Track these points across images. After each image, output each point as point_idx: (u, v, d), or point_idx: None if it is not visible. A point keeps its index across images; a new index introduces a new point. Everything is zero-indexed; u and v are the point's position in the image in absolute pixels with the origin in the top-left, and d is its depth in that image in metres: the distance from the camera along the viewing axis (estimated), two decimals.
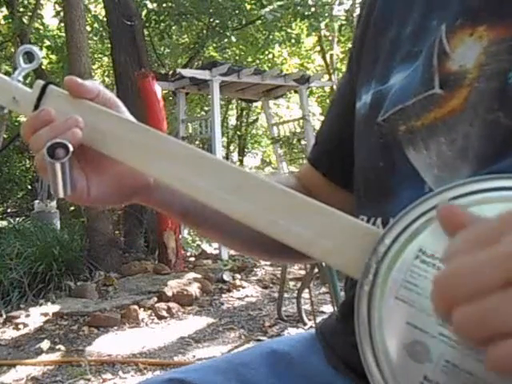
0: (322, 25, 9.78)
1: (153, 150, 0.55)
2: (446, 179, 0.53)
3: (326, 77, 10.24)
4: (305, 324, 3.88)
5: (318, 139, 0.81)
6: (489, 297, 0.32)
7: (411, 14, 0.62)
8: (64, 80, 0.58)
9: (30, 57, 0.60)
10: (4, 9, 8.56)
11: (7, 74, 0.60)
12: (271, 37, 9.73)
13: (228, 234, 0.72)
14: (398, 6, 0.65)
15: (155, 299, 4.38)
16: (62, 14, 7.68)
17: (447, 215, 0.39)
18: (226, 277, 5.18)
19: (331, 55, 11.27)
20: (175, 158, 0.54)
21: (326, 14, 9.41)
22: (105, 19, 7.29)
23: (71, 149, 0.54)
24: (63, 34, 7.75)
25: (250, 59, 10.49)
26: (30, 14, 8.82)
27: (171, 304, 4.31)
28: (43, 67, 9.15)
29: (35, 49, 0.60)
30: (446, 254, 0.37)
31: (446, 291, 0.34)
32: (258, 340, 3.57)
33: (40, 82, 0.58)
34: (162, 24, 8.60)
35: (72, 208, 9.40)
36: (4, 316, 4.15)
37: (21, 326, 3.97)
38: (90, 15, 8.25)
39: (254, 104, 11.19)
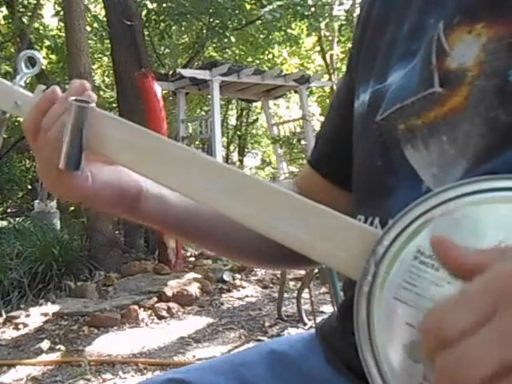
0: (322, 25, 9.78)
1: (153, 153, 0.55)
2: (444, 178, 0.53)
3: (326, 77, 10.24)
4: (305, 324, 3.88)
5: (317, 141, 0.81)
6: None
7: (409, 13, 0.62)
8: None
9: (31, 61, 0.61)
10: (4, 9, 8.57)
11: (7, 74, 0.60)
12: (271, 37, 9.73)
13: (222, 243, 0.73)
14: (396, 6, 0.65)
15: (155, 299, 4.38)
16: (61, 13, 7.69)
17: (439, 248, 0.40)
18: (226, 277, 5.18)
19: (331, 55, 11.27)
20: (175, 161, 0.54)
21: (326, 14, 9.41)
22: (105, 19, 7.29)
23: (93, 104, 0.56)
24: (63, 34, 7.75)
25: (250, 59, 10.49)
26: (29, 14, 8.82)
27: (171, 304, 4.31)
28: (43, 67, 9.15)
29: (37, 54, 0.61)
30: (438, 332, 0.35)
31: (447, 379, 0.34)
32: (258, 340, 3.57)
33: (41, 87, 0.59)
34: (162, 24, 8.60)
35: (72, 208, 9.39)
36: (4, 316, 4.15)
37: (21, 326, 3.97)
38: (89, 15, 8.24)
39: (254, 104, 11.20)
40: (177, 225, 0.69)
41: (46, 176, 0.60)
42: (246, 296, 4.84)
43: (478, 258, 0.38)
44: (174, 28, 9.08)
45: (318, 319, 3.73)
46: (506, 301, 0.33)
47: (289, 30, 9.59)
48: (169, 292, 4.47)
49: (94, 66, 10.48)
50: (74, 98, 0.55)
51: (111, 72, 8.49)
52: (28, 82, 0.62)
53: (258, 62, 10.63)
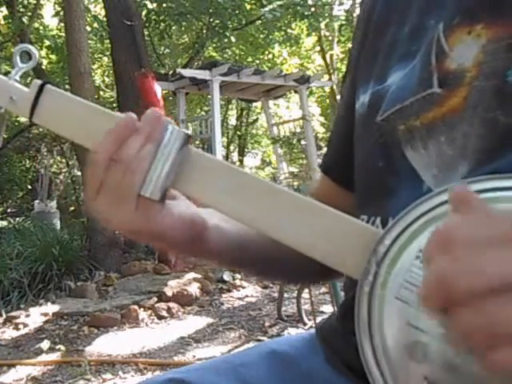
0: (322, 25, 9.78)
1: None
2: (444, 178, 0.53)
3: (326, 77, 10.24)
4: (305, 324, 3.88)
5: (328, 146, 0.81)
6: (491, 298, 0.32)
7: (409, 15, 0.62)
8: None
9: (27, 56, 0.60)
10: (4, 9, 8.56)
11: (7, 74, 0.59)
12: (271, 37, 9.73)
13: (270, 266, 0.71)
14: (397, 7, 0.65)
15: (155, 299, 4.38)
16: (61, 13, 7.69)
17: (459, 194, 0.39)
18: (226, 277, 5.18)
19: (331, 55, 11.27)
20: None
21: (326, 14, 9.41)
22: (105, 19, 7.29)
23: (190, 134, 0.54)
24: (63, 34, 7.75)
25: (250, 59, 10.49)
26: (29, 14, 8.82)
27: (171, 304, 4.31)
28: (43, 67, 9.15)
29: (32, 48, 0.60)
30: (446, 233, 0.36)
31: (445, 286, 0.34)
32: (258, 340, 3.57)
33: (37, 82, 0.57)
34: (162, 24, 8.60)
35: (72, 208, 9.40)
36: (4, 316, 4.15)
37: (21, 326, 3.97)
38: (89, 15, 8.24)
39: (254, 104, 11.20)
40: (235, 251, 0.65)
41: (117, 208, 0.53)
42: (246, 296, 4.84)
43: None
44: (174, 28, 9.07)
45: (318, 319, 3.73)
46: None
47: (289, 30, 9.59)
48: (169, 292, 4.47)
49: (94, 66, 10.47)
50: (175, 127, 0.52)
51: (111, 72, 8.49)
52: (28, 81, 0.61)
53: (258, 61, 10.63)
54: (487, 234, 0.34)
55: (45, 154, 10.43)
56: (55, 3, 9.46)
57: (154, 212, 0.54)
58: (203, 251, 0.62)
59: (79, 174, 8.97)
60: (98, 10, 10.16)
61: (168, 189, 0.53)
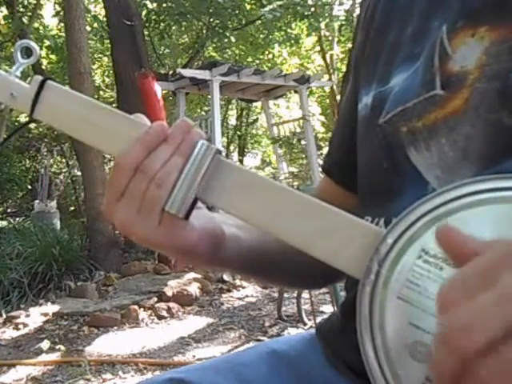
0: (322, 25, 9.78)
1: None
2: (448, 180, 0.53)
3: (326, 77, 10.24)
4: (305, 324, 3.88)
5: (329, 147, 0.81)
6: (495, 352, 0.32)
7: (412, 16, 0.62)
8: None
9: (28, 52, 0.59)
10: (4, 9, 8.57)
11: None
12: (271, 37, 9.74)
13: (289, 273, 0.71)
14: (399, 9, 0.65)
15: (155, 299, 4.38)
16: (61, 13, 7.70)
17: (445, 239, 0.39)
18: (226, 277, 5.18)
19: (331, 55, 11.26)
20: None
21: (326, 14, 9.42)
22: (105, 19, 7.29)
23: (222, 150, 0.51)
24: (63, 34, 7.76)
25: (249, 59, 10.50)
26: (30, 14, 8.83)
27: (171, 304, 4.31)
28: (43, 67, 9.16)
29: (33, 43, 0.59)
30: (443, 301, 0.36)
31: (450, 347, 0.33)
32: (258, 340, 3.57)
33: (38, 78, 0.56)
34: (162, 24, 8.61)
35: (72, 208, 9.40)
36: (4, 316, 4.15)
37: (21, 326, 3.97)
38: (89, 15, 8.24)
39: (254, 104, 11.20)
40: (251, 260, 0.64)
41: (139, 220, 0.51)
42: (246, 296, 4.84)
43: (478, 244, 0.37)
44: (173, 28, 9.09)
45: (318, 319, 3.72)
46: (506, 267, 0.34)
47: (289, 30, 9.60)
48: (169, 292, 4.47)
49: (94, 66, 10.48)
50: (206, 142, 0.50)
51: (111, 72, 8.49)
52: (27, 82, 0.60)
53: (258, 61, 10.64)
54: (474, 286, 0.34)
55: (45, 154, 10.43)
56: (55, 3, 9.47)
57: (178, 228, 0.51)
58: (221, 261, 0.61)
59: (79, 173, 8.97)
60: (98, 10, 10.16)
61: (194, 206, 0.51)
